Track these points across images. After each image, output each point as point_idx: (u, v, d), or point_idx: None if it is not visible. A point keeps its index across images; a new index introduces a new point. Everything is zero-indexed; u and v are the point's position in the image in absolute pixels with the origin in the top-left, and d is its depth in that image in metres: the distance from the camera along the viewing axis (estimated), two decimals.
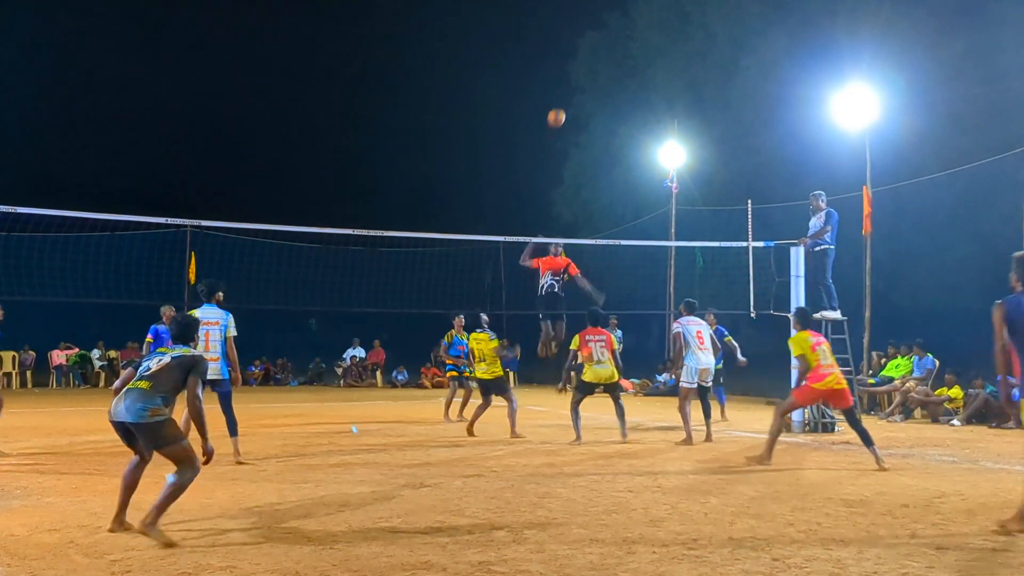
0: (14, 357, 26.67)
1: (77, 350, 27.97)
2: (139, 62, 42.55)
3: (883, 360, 18.42)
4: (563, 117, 14.66)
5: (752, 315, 14.96)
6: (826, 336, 14.29)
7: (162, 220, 13.80)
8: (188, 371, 6.76)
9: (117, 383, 12.24)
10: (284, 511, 7.40)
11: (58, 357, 27.42)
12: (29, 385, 26.72)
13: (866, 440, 10.21)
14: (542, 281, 14.07)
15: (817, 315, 14.36)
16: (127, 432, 6.66)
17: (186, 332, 7.31)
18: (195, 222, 15.44)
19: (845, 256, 14.73)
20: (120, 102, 42.15)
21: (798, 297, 14.45)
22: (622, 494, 8.27)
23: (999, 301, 6.93)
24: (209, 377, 9.96)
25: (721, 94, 30.59)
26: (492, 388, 13.29)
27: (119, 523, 6.67)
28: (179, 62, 43.63)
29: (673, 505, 7.72)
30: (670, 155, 26.01)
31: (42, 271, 18.80)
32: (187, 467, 6.56)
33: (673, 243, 24.23)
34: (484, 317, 13.64)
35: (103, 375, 27.48)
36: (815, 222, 14.40)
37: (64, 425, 15.02)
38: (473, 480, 9.11)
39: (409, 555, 5.94)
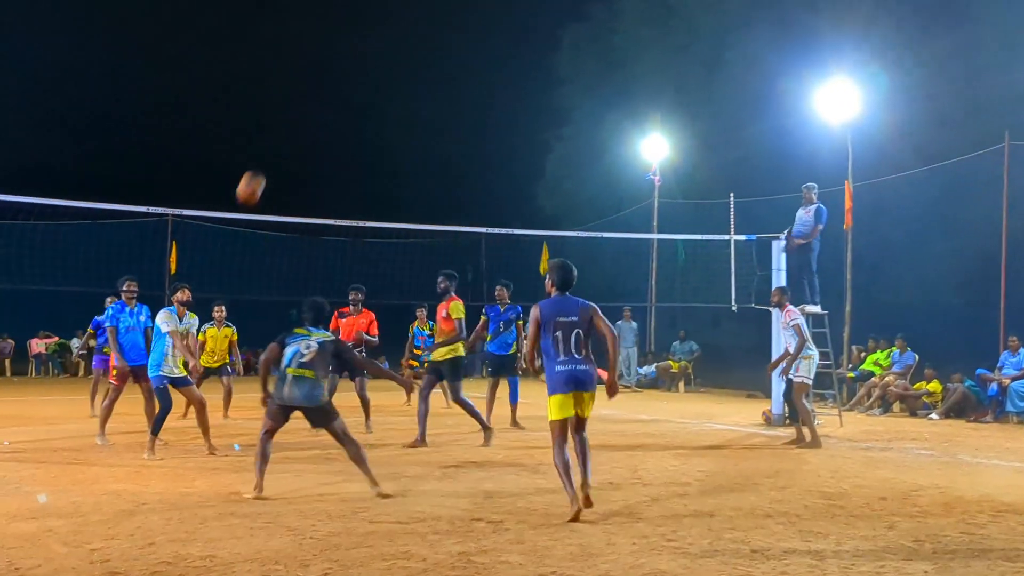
0: None
1: (56, 339, 27.82)
2: (119, 49, 42.25)
3: (863, 354, 18.51)
4: (260, 188, 10.34)
5: (733, 308, 15.01)
6: (808, 329, 14.42)
7: (143, 209, 13.73)
8: (336, 355, 7.93)
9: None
10: (264, 501, 7.38)
11: (37, 346, 27.28)
12: (8, 374, 26.58)
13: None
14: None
15: (798, 308, 14.43)
16: (288, 413, 7.67)
17: (320, 314, 8.07)
18: (176, 211, 15.41)
19: (826, 250, 14.78)
20: (101, 89, 41.92)
21: None
22: (602, 486, 8.27)
23: None
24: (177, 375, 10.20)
25: (704, 87, 30.62)
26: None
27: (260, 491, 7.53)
28: (160, 50, 43.36)
29: (653, 497, 7.75)
30: (653, 148, 26.01)
31: (21, 259, 18.68)
32: (349, 434, 7.77)
33: (655, 236, 24.25)
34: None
35: (82, 364, 27.30)
36: (803, 214, 14.43)
37: (43, 414, 14.96)
38: (453, 471, 9.11)
39: (389, 545, 5.94)
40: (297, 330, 7.87)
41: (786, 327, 11.96)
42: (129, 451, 10.47)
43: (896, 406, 16.75)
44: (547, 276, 7.54)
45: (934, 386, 16.30)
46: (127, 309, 11.02)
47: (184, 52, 43.12)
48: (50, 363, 27.33)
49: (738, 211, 15.28)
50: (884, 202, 21.51)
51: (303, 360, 7.57)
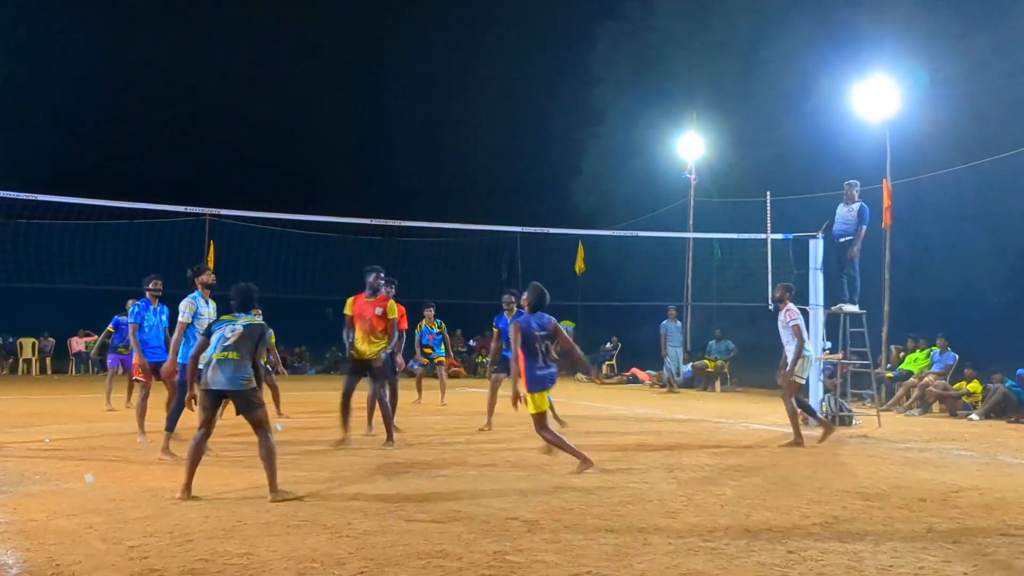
0: (34, 344, 26.91)
1: (96, 337, 28.12)
2: (158, 51, 42.69)
3: (901, 353, 18.34)
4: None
5: (770, 307, 14.88)
6: (844, 329, 14.30)
7: (181, 209, 13.84)
8: (257, 340, 7.69)
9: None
10: (300, 499, 7.43)
11: (77, 344, 27.61)
12: (48, 372, 26.91)
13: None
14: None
15: (835, 308, 14.31)
16: (218, 400, 7.58)
17: (247, 300, 8.06)
18: (213, 211, 15.51)
19: (864, 249, 14.60)
20: (140, 91, 42.32)
21: (817, 289, 14.38)
22: (638, 485, 8.27)
23: None
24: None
25: (741, 85, 30.41)
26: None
27: (188, 493, 7.45)
28: (198, 52, 43.71)
29: (689, 497, 7.72)
30: (689, 146, 25.96)
31: (62, 258, 18.89)
32: (268, 429, 7.63)
33: (691, 235, 24.15)
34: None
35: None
36: (844, 211, 14.29)
37: (83, 412, 15.12)
38: (488, 470, 9.12)
39: (424, 544, 5.96)
40: (224, 316, 7.98)
41: (785, 326, 11.89)
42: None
43: (935, 406, 16.57)
44: (525, 295, 9.34)
45: (974, 386, 16.11)
46: (151, 307, 11.22)
47: (224, 54, 43.45)
48: (90, 361, 27.64)
49: (774, 209, 15.18)
50: (923, 200, 21.28)
51: (227, 343, 7.56)
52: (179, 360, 9.84)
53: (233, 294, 8.05)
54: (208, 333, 7.81)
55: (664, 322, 22.07)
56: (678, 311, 22.93)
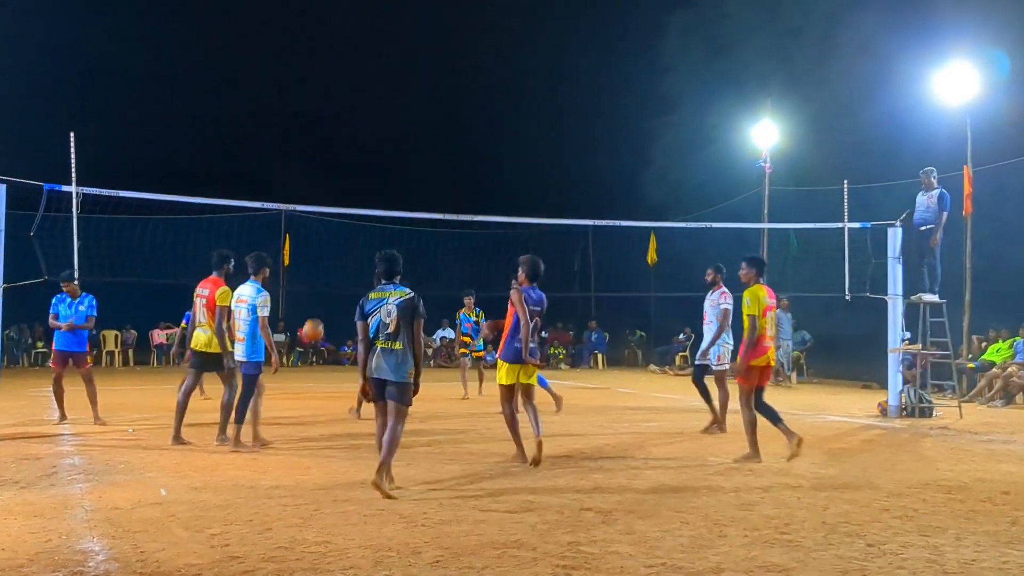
0: (116, 336, 27.53)
1: (176, 329, 28.71)
2: (236, 52, 43.32)
3: (983, 344, 17.96)
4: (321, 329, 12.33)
5: (847, 298, 14.68)
6: (923, 319, 14.02)
7: (257, 204, 14.07)
8: (412, 315, 7.47)
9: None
10: (394, 496, 7.47)
11: (158, 336, 28.20)
12: (131, 363, 27.54)
13: (774, 418, 9.27)
14: None
15: (915, 297, 14.07)
16: (382, 387, 7.47)
17: (392, 267, 7.72)
18: (289, 206, 15.77)
19: (945, 237, 14.33)
20: (219, 90, 43.01)
21: (896, 279, 14.15)
22: (713, 477, 8.22)
23: None
24: (236, 357, 10.05)
25: (816, 71, 29.90)
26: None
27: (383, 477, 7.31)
28: (275, 51, 44.31)
29: (765, 489, 7.64)
30: (763, 135, 25.63)
31: (143, 252, 19.33)
32: (403, 422, 7.54)
33: (766, 225, 23.88)
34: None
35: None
36: (923, 199, 14.04)
37: (164, 403, 15.43)
38: (563, 461, 9.13)
39: (499, 534, 5.99)
40: (372, 295, 7.65)
41: (715, 305, 11.62)
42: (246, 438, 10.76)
43: (1019, 398, 16.21)
44: (519, 268, 9.04)
45: None
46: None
47: (304, 52, 44.02)
48: (171, 354, 28.24)
49: (852, 198, 14.94)
50: (1006, 187, 20.73)
51: (388, 331, 7.44)
52: (255, 356, 9.93)
53: (378, 261, 7.77)
54: (364, 316, 7.55)
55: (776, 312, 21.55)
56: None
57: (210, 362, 10.28)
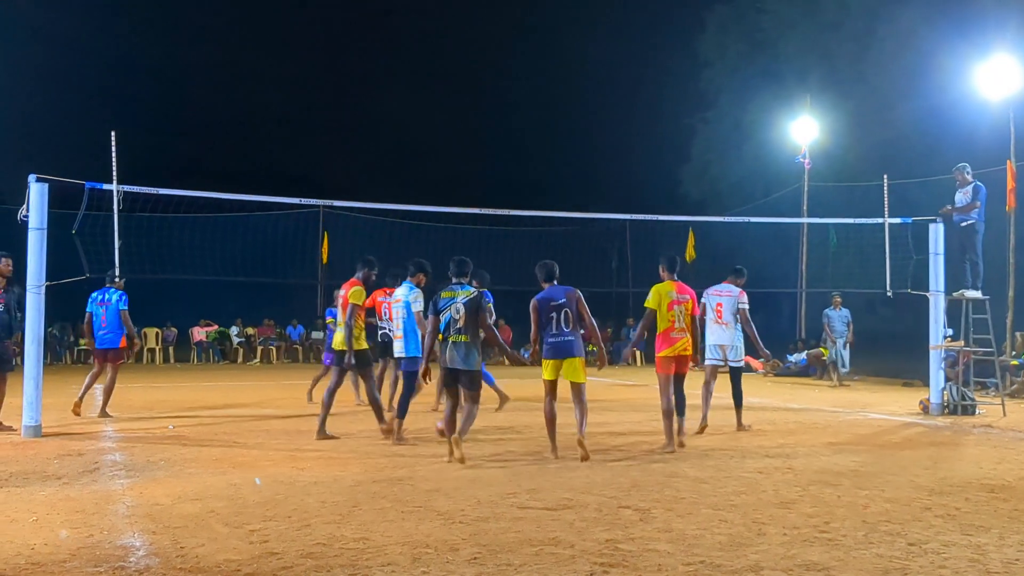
0: (157, 334, 27.85)
1: (216, 327, 29.03)
2: (272, 52, 43.69)
3: None
4: None
5: (888, 294, 14.52)
6: (966, 316, 13.83)
7: (296, 201, 14.15)
8: (477, 310, 8.73)
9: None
10: (415, 485, 7.53)
11: (198, 334, 28.51)
12: (171, 360, 27.83)
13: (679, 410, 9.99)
14: None
15: (956, 294, 13.90)
16: (455, 377, 8.77)
17: (462, 267, 9.02)
18: (328, 202, 15.86)
19: (987, 233, 14.14)
20: (258, 89, 43.41)
21: (937, 275, 13.97)
22: (751, 475, 8.16)
23: None
24: (395, 355, 10.92)
25: (855, 66, 29.63)
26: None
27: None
28: (311, 51, 44.60)
29: (804, 487, 7.58)
30: (802, 130, 25.43)
31: (183, 250, 19.47)
32: (478, 403, 8.92)
33: (805, 220, 23.70)
34: None
35: (241, 351, 28.46)
36: (961, 196, 13.88)
37: (204, 399, 15.59)
38: (600, 458, 9.11)
39: (537, 531, 5.99)
40: (444, 294, 8.88)
41: (733, 306, 12.02)
42: (285, 435, 10.85)
43: None
44: (537, 273, 9.35)
45: None
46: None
47: (341, 52, 44.29)
48: (211, 350, 28.52)
49: (892, 193, 14.76)
50: None
51: (458, 326, 8.72)
52: (415, 353, 10.31)
53: (452, 263, 9.00)
54: (437, 312, 8.77)
55: (826, 310, 21.15)
56: (789, 298, 22.43)
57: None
